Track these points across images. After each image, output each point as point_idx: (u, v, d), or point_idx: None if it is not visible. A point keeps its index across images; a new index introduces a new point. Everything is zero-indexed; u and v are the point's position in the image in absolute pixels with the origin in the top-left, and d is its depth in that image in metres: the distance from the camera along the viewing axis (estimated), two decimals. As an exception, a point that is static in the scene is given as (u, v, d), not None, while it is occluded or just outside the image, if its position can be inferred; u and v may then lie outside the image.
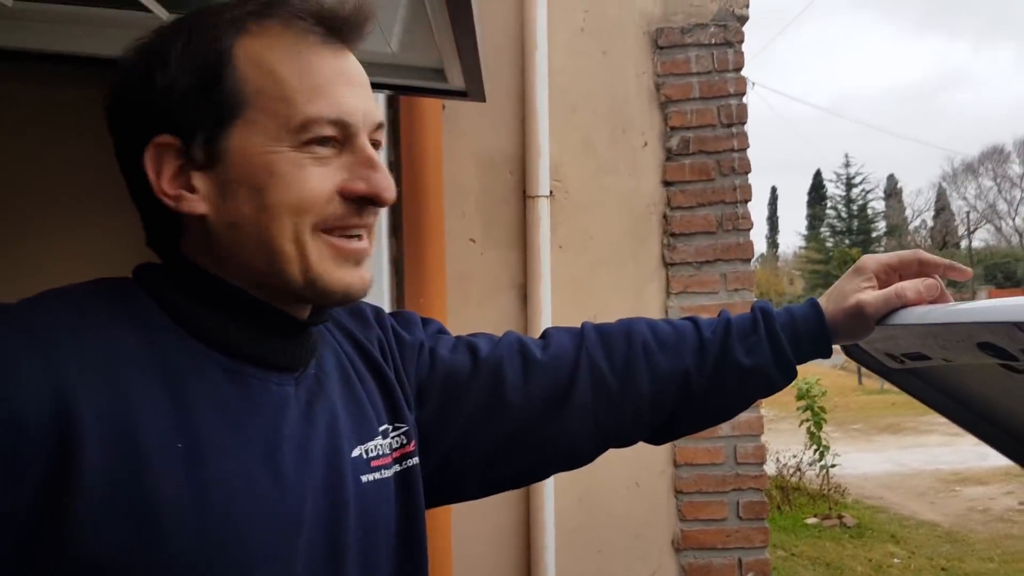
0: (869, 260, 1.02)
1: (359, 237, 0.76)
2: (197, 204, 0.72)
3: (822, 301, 1.02)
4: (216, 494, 0.66)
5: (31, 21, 1.53)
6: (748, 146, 2.78)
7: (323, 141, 0.72)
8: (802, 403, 7.57)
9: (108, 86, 0.75)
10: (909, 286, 0.97)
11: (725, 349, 0.99)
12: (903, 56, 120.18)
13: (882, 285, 1.00)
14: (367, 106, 0.75)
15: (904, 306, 0.96)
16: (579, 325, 1.05)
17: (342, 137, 0.73)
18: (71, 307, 0.69)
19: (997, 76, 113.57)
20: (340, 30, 0.75)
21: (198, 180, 0.72)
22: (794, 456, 7.85)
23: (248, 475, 0.69)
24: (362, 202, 0.74)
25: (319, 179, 0.72)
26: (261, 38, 0.72)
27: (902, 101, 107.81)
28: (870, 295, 0.98)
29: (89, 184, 1.79)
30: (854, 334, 1.01)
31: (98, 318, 0.68)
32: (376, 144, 0.78)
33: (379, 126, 0.77)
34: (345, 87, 0.73)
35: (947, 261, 1.00)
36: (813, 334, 1.00)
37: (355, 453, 0.80)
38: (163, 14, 1.42)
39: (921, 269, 1.00)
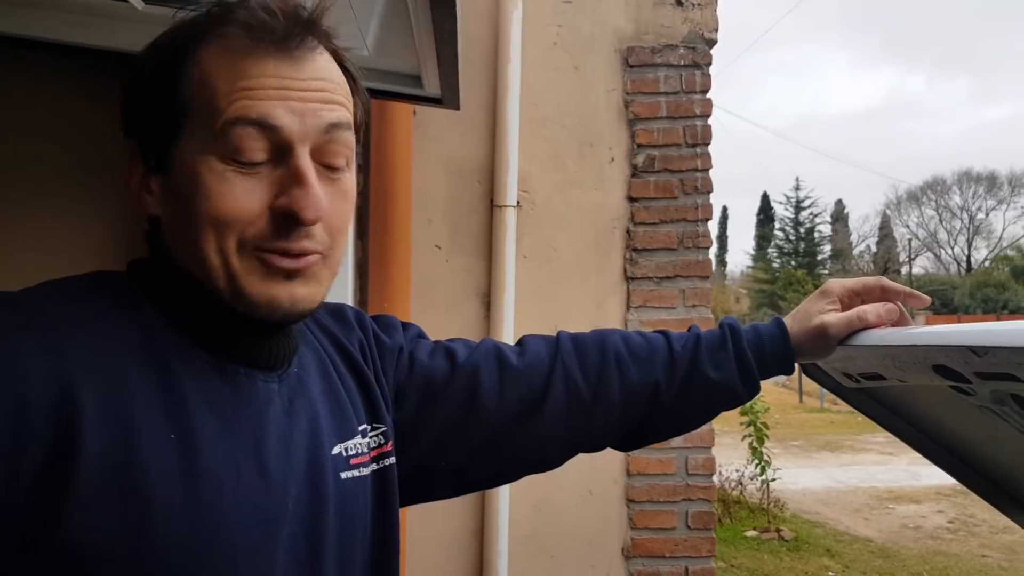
0: (834, 284, 1.07)
1: (297, 256, 0.73)
2: (152, 206, 0.75)
3: (787, 320, 1.07)
4: (205, 485, 0.68)
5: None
6: (711, 167, 2.85)
7: (249, 151, 0.69)
8: (745, 419, 7.70)
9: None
10: (871, 309, 1.02)
11: (694, 363, 1.03)
12: (861, 84, 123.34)
13: (845, 308, 1.05)
14: (310, 111, 0.71)
15: (865, 328, 1.01)
16: (554, 333, 1.07)
17: (275, 148, 0.70)
18: (72, 300, 0.70)
19: (949, 108, 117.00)
20: (289, 33, 0.71)
21: (155, 183, 0.75)
22: (736, 470, 7.99)
23: (236, 468, 0.71)
24: (286, 218, 0.70)
25: (241, 193, 0.69)
26: (217, 45, 0.71)
27: (856, 128, 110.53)
28: (834, 317, 1.03)
29: (45, 177, 1.76)
30: (817, 353, 1.06)
31: (97, 312, 0.70)
32: (335, 154, 0.74)
33: (333, 127, 0.72)
34: (280, 91, 0.70)
35: (908, 289, 1.05)
36: (778, 352, 1.05)
37: (335, 450, 0.82)
38: (139, 4, 1.41)
39: (883, 295, 1.04)
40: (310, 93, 0.71)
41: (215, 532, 0.68)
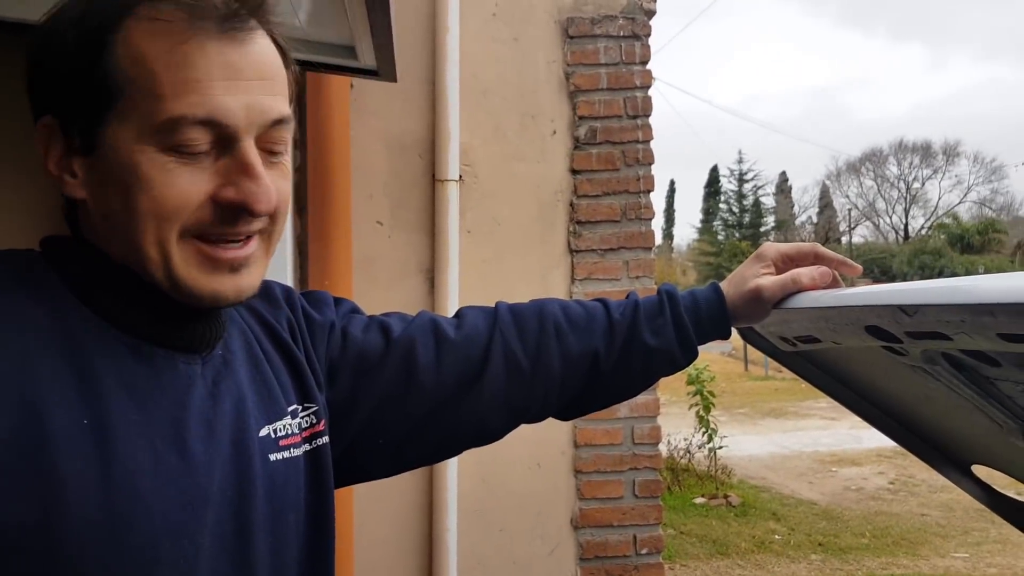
0: (769, 248, 1.07)
1: (239, 243, 0.72)
2: (76, 189, 0.71)
3: (724, 285, 1.07)
4: (121, 469, 0.65)
5: None
6: (652, 138, 2.86)
7: (193, 144, 0.67)
8: (692, 388, 7.83)
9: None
10: (804, 272, 1.02)
11: (633, 330, 1.03)
12: (817, 53, 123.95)
13: (779, 272, 1.05)
14: (257, 104, 0.69)
15: (799, 291, 1.02)
16: (492, 304, 1.06)
17: (218, 138, 0.68)
18: None
19: (904, 76, 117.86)
20: (231, 13, 0.68)
21: (78, 165, 0.70)
22: (684, 439, 8.13)
23: (154, 450, 0.68)
24: (235, 210, 0.70)
25: (186, 185, 0.67)
26: (148, 23, 0.67)
27: (809, 99, 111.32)
28: (768, 280, 1.03)
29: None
30: (752, 317, 1.06)
31: (2, 290, 0.67)
32: (277, 142, 0.73)
33: (278, 122, 0.71)
34: (227, 82, 0.67)
35: (841, 256, 1.06)
36: (715, 317, 1.05)
37: (263, 432, 0.80)
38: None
39: (816, 261, 1.05)
40: (255, 83, 0.69)
41: (131, 517, 0.65)
